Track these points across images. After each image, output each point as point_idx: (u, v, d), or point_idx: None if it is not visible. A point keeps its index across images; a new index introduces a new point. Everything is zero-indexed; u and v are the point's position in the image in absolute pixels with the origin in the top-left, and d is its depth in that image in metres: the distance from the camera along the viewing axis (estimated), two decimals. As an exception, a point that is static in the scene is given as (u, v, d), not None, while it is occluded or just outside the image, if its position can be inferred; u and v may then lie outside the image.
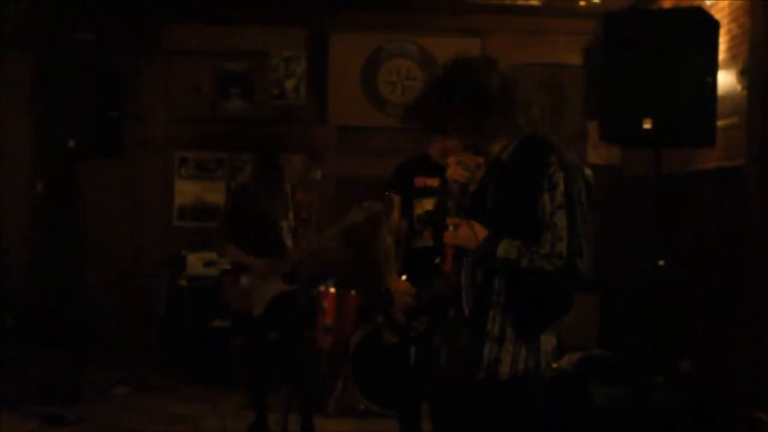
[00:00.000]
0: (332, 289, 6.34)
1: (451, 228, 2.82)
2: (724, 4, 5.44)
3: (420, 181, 4.24)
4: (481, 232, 2.76)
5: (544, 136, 2.90)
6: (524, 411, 2.83)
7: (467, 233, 2.77)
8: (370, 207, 5.02)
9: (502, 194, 2.82)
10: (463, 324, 2.83)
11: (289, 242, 5.23)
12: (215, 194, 7.82)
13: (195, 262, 7.13)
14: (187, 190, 7.86)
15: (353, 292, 6.53)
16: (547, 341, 2.87)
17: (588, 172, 2.87)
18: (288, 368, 5.22)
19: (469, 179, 2.82)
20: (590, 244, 2.76)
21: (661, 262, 4.44)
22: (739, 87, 5.19)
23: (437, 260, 2.97)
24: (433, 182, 4.04)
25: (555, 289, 2.75)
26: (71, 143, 5.84)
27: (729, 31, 5.31)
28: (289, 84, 7.83)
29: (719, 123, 4.50)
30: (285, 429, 4.74)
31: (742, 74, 5.17)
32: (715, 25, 4.42)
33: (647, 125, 4.25)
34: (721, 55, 4.64)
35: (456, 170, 2.84)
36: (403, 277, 4.08)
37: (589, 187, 2.83)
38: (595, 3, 6.98)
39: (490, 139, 2.86)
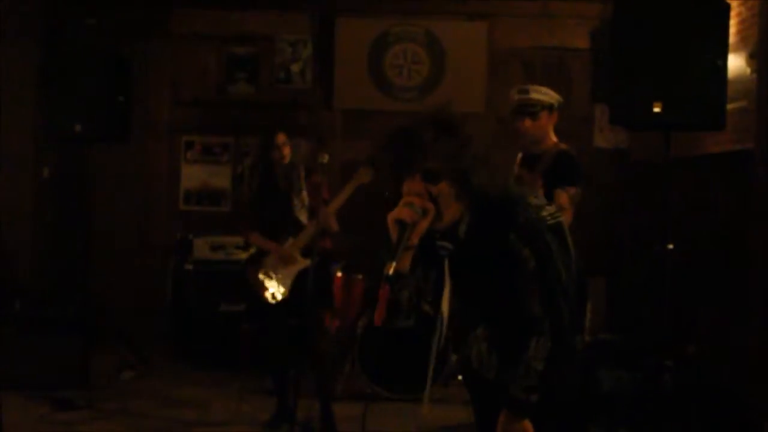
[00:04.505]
0: (339, 274, 6.35)
1: None
2: (733, -14, 5.41)
3: None
4: None
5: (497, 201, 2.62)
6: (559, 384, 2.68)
7: None
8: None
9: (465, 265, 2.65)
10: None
11: (303, 219, 5.19)
12: (221, 179, 7.82)
13: (202, 246, 7.13)
14: (193, 175, 7.85)
15: (360, 277, 6.54)
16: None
17: (550, 209, 2.68)
18: (305, 352, 5.18)
19: (414, 221, 2.56)
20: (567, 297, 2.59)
21: (671, 246, 4.44)
22: (748, 70, 5.18)
23: None
24: None
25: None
26: (77, 128, 5.82)
27: (739, 14, 5.28)
28: (295, 68, 7.81)
29: (728, 106, 4.48)
30: (294, 413, 4.75)
31: (752, 57, 5.15)
32: (725, 7, 4.39)
33: (657, 109, 4.25)
34: (731, 38, 4.61)
35: (402, 210, 2.57)
36: None
37: (556, 229, 2.64)
38: (603, -14, 6.95)
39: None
